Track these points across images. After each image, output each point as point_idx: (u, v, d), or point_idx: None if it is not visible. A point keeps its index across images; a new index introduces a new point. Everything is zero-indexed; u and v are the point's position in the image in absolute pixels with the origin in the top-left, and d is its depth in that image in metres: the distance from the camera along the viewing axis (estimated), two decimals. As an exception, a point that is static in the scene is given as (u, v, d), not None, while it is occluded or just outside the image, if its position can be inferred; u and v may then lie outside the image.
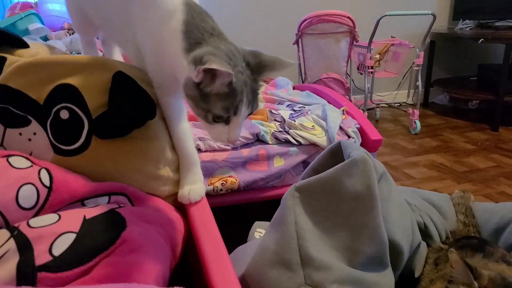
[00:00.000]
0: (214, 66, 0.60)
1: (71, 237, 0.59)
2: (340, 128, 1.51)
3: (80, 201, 0.70)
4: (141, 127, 0.74)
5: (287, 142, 1.44)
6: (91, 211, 0.66)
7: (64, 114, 0.74)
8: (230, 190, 1.33)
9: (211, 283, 0.61)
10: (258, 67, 0.71)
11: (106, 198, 0.72)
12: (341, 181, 0.71)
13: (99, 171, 0.74)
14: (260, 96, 1.27)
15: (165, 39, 0.72)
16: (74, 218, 0.62)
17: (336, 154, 0.84)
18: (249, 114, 0.73)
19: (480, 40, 2.67)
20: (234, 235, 0.95)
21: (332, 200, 0.71)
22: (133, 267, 0.59)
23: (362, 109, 2.79)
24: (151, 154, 0.78)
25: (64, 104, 0.74)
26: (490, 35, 2.68)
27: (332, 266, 0.64)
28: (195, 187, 0.82)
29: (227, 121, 0.70)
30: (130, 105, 0.69)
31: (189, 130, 0.86)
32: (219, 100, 0.67)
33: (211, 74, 0.63)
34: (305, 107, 1.70)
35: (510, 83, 2.66)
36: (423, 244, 0.99)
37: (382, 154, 2.36)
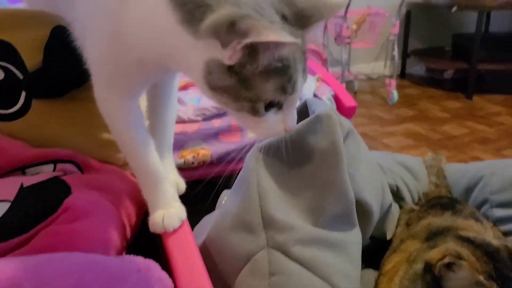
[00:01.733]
0: (267, 37, 0.40)
1: (4, 206, 0.54)
2: (314, 95, 1.47)
3: (21, 169, 0.64)
4: (83, 87, 0.67)
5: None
6: (31, 179, 0.60)
7: (-1, 74, 0.66)
8: (202, 163, 1.28)
9: (168, 253, 0.57)
10: (298, 19, 0.49)
11: (51, 166, 0.66)
12: (305, 138, 0.67)
13: (43, 137, 0.68)
14: None
15: (133, 11, 0.48)
16: (9, 186, 0.56)
17: (303, 114, 0.79)
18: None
19: (454, 8, 2.65)
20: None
21: (297, 159, 0.67)
22: (76, 235, 0.54)
23: (340, 81, 2.76)
24: (100, 116, 0.71)
25: (-2, 63, 0.66)
26: (463, 3, 2.66)
27: (295, 226, 0.61)
28: (171, 211, 0.62)
29: (279, 105, 0.51)
30: (67, 63, 0.62)
31: (150, 139, 0.63)
32: (269, 79, 0.46)
33: (252, 48, 0.43)
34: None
35: (482, 52, 2.66)
36: (395, 206, 0.98)
37: (360, 125, 2.34)
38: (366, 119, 2.44)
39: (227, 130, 1.34)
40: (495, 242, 0.57)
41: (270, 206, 0.62)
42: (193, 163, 1.26)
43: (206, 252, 0.64)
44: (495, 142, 2.04)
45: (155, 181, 0.63)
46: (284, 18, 0.47)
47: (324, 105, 0.71)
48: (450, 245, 0.54)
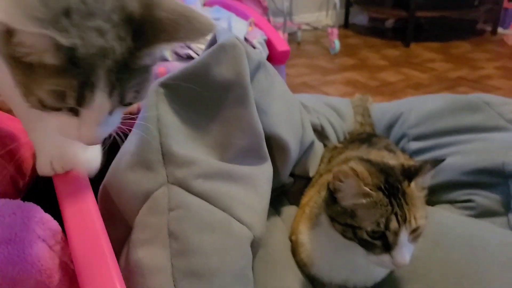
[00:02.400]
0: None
1: None
2: (246, 39, 1.42)
3: None
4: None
5: (189, 58, 1.33)
6: None
7: None
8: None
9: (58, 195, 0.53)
10: (144, 29, 0.40)
11: None
12: (209, 69, 0.64)
13: None
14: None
15: None
16: None
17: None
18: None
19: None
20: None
21: (201, 92, 0.64)
22: None
23: (282, 31, 2.70)
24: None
25: None
26: None
27: (196, 161, 0.58)
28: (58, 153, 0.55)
29: (75, 111, 0.41)
30: None
31: None
32: (46, 77, 0.38)
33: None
34: (210, 22, 1.57)
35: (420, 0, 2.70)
36: (319, 144, 0.99)
37: (302, 75, 2.34)
38: (308, 69, 2.43)
39: (154, 78, 1.27)
40: (392, 162, 0.58)
41: (171, 142, 0.59)
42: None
43: (105, 194, 0.61)
44: (427, 87, 2.12)
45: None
46: (128, 20, 0.39)
47: (230, 33, 0.67)
48: (348, 164, 0.55)
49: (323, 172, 0.86)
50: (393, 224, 0.51)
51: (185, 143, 0.61)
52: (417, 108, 1.01)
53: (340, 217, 0.55)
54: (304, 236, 0.66)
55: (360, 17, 3.40)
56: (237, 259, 0.51)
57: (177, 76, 0.64)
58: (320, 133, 1.01)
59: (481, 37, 3.00)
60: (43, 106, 0.40)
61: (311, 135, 0.92)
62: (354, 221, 0.53)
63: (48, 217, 0.48)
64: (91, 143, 0.44)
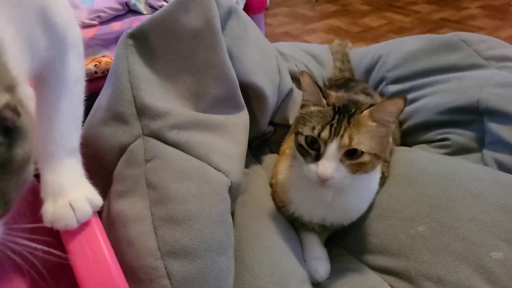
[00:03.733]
0: None
1: None
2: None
3: None
4: None
5: (162, 10, 1.27)
6: None
7: None
8: (107, 72, 1.19)
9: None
10: None
11: None
12: (177, 18, 0.61)
13: None
14: None
15: None
16: None
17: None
18: None
19: None
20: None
21: (171, 42, 0.62)
22: None
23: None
24: None
25: None
26: None
27: (171, 112, 0.58)
28: (75, 197, 0.45)
29: None
30: None
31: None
32: None
33: None
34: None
35: None
36: (298, 92, 0.98)
37: (283, 24, 2.28)
38: (290, 18, 2.37)
39: (129, 33, 1.22)
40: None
41: (143, 94, 0.58)
42: (96, 72, 1.17)
43: (84, 150, 0.61)
44: (410, 31, 2.09)
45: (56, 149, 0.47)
46: None
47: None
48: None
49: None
50: (325, 133, 0.55)
51: (158, 94, 0.60)
52: (395, 50, 1.01)
53: (296, 127, 0.61)
54: (282, 175, 0.68)
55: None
56: (214, 204, 0.53)
57: (145, 26, 0.62)
58: (298, 80, 1.00)
59: (465, -24, 2.93)
60: None
61: (289, 83, 0.92)
62: (300, 127, 0.59)
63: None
64: None
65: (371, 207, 0.70)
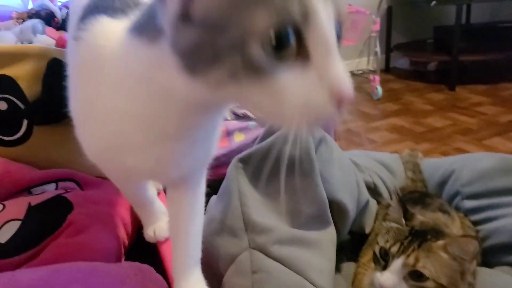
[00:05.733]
0: None
1: (16, 224, 0.61)
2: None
3: (27, 190, 0.71)
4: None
5: (245, 117, 1.47)
6: (37, 198, 0.67)
7: (2, 105, 0.73)
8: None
9: (162, 258, 0.65)
10: None
11: (53, 185, 0.73)
12: (280, 148, 0.75)
13: (44, 159, 0.75)
14: None
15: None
16: (18, 206, 0.64)
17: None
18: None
19: (433, 3, 2.73)
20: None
21: (273, 166, 0.75)
22: (80, 246, 0.61)
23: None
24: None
25: (1, 95, 0.73)
26: (443, -3, 2.74)
27: (273, 228, 0.68)
28: (161, 225, 0.69)
29: (303, 52, 0.30)
30: (63, 93, 0.70)
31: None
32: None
33: None
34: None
35: (463, 43, 2.74)
36: (373, 201, 1.05)
37: (346, 122, 2.42)
38: (352, 116, 2.51)
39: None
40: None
41: (250, 211, 0.70)
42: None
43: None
44: (477, 132, 2.12)
45: (145, 205, 0.67)
46: None
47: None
48: None
49: (378, 231, 0.93)
50: (394, 248, 0.63)
51: (262, 211, 0.71)
52: (470, 166, 1.06)
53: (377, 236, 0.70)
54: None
55: (401, 61, 3.47)
56: (313, 318, 0.60)
57: (253, 153, 0.76)
58: (373, 190, 1.08)
59: (530, 77, 2.97)
60: (258, 63, 0.29)
61: (366, 194, 1.00)
62: (379, 237, 0.68)
63: (159, 277, 0.59)
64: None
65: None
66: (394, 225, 0.69)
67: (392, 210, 0.71)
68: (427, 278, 0.61)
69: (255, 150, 0.77)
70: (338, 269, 0.94)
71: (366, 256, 0.87)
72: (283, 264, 0.65)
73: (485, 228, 0.91)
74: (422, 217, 0.71)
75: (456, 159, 1.15)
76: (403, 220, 0.68)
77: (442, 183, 1.11)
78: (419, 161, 1.23)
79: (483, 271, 0.82)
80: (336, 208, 0.83)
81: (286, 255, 0.66)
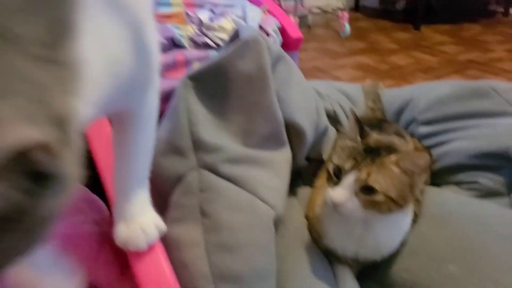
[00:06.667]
0: None
1: None
2: (260, 27, 1.46)
3: None
4: None
5: (206, 46, 1.37)
6: None
7: None
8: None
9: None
10: None
11: None
12: (233, 63, 0.69)
13: None
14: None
15: None
16: None
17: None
18: None
19: None
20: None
21: (225, 84, 0.69)
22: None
23: (293, 15, 2.72)
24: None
25: None
26: None
27: (224, 147, 0.65)
28: (145, 222, 0.52)
29: None
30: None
31: None
32: None
33: None
34: (225, 9, 1.61)
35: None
36: (332, 129, 1.04)
37: (312, 59, 2.37)
38: (319, 53, 2.46)
39: (172, 66, 1.32)
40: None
41: (200, 130, 0.65)
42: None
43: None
44: (437, 70, 2.14)
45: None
46: None
47: (253, 30, 0.72)
48: None
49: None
50: (347, 164, 0.61)
51: (212, 131, 0.67)
52: (426, 94, 1.06)
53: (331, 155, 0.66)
54: (318, 209, 0.73)
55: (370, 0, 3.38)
56: (262, 234, 0.58)
57: (204, 70, 0.70)
58: (333, 118, 1.06)
59: (493, 19, 2.99)
60: None
61: (325, 121, 0.98)
62: (333, 155, 0.66)
63: (95, 197, 0.55)
64: None
65: (403, 243, 0.73)
66: (349, 143, 0.67)
67: (348, 129, 0.68)
68: (377, 192, 0.60)
69: (206, 67, 0.70)
70: (293, 193, 0.94)
71: (322, 179, 0.86)
72: (233, 183, 0.62)
73: (436, 152, 0.93)
74: (377, 136, 0.69)
75: (414, 88, 1.14)
76: (359, 138, 0.66)
77: (400, 111, 1.11)
78: (380, 91, 1.22)
79: (431, 190, 0.84)
80: (293, 130, 0.80)
81: (237, 174, 0.63)
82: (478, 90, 0.96)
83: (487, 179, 0.82)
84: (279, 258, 0.68)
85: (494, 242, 0.65)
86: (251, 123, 0.69)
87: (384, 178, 0.60)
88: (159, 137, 0.69)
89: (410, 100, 1.09)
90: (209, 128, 0.67)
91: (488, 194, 0.81)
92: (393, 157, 0.61)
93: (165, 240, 0.60)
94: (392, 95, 1.17)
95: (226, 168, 0.63)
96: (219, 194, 0.60)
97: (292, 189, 0.95)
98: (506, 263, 0.62)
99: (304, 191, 0.94)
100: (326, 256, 0.75)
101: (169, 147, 0.65)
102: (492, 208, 0.74)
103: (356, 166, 0.62)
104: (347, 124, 0.69)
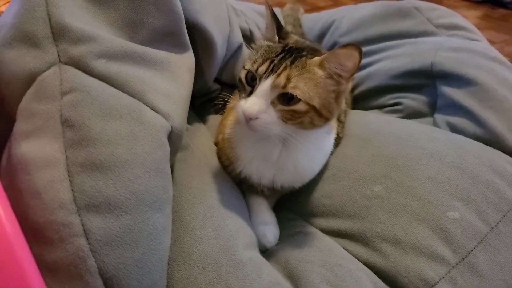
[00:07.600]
0: None
1: None
2: None
3: None
4: None
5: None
6: None
7: None
8: None
9: None
10: None
11: None
12: None
13: None
14: None
15: None
16: None
17: None
18: None
19: None
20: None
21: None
22: None
23: None
24: None
25: None
26: None
27: (98, 37, 0.47)
28: None
29: None
30: None
31: None
32: None
33: None
34: None
35: None
36: (247, 50, 0.90)
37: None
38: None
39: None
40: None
41: (62, 12, 0.46)
42: None
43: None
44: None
45: None
46: None
47: None
48: None
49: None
50: (262, 68, 0.50)
51: (82, 16, 0.48)
52: (349, 16, 0.97)
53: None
54: (230, 130, 0.60)
55: None
56: (150, 150, 0.43)
57: None
58: (249, 39, 0.92)
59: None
60: None
61: (239, 37, 0.84)
62: (246, 61, 0.53)
63: None
64: None
65: (324, 168, 0.64)
66: (265, 43, 0.54)
67: (266, 28, 0.55)
68: (298, 100, 0.49)
69: None
70: (203, 120, 0.80)
71: (235, 101, 0.73)
72: (110, 84, 0.45)
73: (358, 75, 0.85)
74: (297, 37, 0.57)
75: (337, 11, 1.05)
76: (276, 37, 0.54)
77: (322, 35, 1.02)
78: (300, 15, 1.11)
79: (356, 112, 0.77)
80: (199, 38, 0.65)
81: (117, 72, 0.46)
82: (401, 9, 0.90)
83: (410, 100, 0.77)
84: (179, 186, 0.54)
85: (420, 158, 0.59)
86: (139, 11, 0.52)
87: (306, 83, 0.49)
88: (2, 22, 0.48)
89: (332, 22, 0.99)
90: (78, 12, 0.48)
91: (411, 115, 0.76)
92: (317, 58, 0.50)
93: (10, 163, 0.42)
94: (313, 19, 1.06)
95: (101, 65, 0.46)
96: (89, 96, 0.43)
97: (201, 116, 0.81)
98: (431, 179, 0.56)
99: (214, 119, 0.81)
100: (239, 187, 0.64)
101: (17, 35, 0.46)
102: (417, 125, 0.69)
103: (273, 69, 0.49)
104: (266, 21, 0.55)
